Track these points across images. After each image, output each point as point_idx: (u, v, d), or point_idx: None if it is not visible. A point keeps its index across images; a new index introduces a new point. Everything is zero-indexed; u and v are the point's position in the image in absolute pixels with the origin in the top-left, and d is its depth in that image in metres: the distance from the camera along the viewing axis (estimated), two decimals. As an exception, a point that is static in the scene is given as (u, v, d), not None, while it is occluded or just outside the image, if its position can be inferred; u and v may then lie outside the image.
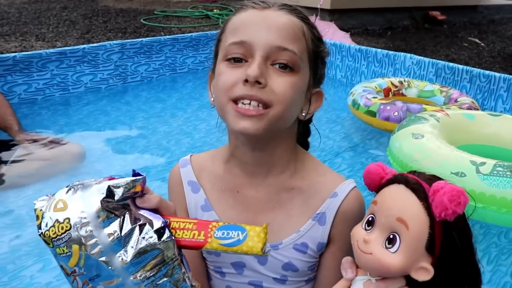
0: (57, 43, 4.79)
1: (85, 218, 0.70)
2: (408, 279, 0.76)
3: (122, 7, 6.96)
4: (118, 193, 0.72)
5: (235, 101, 0.86)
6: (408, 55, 4.12)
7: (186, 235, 0.75)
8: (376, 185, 0.82)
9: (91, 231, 0.70)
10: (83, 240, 0.70)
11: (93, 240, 0.70)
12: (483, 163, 2.14)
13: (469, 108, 3.11)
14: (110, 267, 0.71)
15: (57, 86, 3.73)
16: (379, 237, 0.76)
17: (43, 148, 2.60)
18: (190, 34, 4.55)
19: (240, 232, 0.74)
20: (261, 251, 0.73)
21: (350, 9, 6.66)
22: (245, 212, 0.99)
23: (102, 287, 0.72)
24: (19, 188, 2.41)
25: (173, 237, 0.74)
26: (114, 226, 0.71)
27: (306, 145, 1.11)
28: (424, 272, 0.74)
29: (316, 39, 0.95)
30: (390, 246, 0.75)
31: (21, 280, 1.80)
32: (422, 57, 4.06)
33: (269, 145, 0.94)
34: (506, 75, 3.60)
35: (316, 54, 0.94)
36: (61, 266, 0.74)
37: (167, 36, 4.40)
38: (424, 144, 2.38)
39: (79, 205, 0.71)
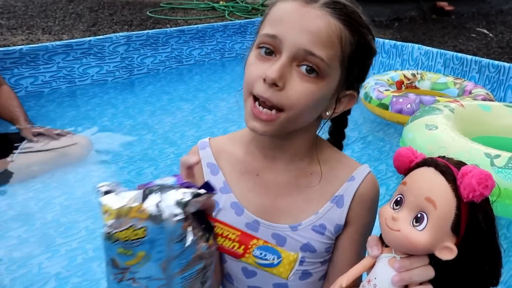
0: (63, 36, 4.79)
1: (162, 230, 0.70)
2: (431, 259, 0.79)
3: (128, 0, 6.94)
4: (192, 207, 0.72)
5: (255, 97, 0.88)
6: (416, 45, 4.08)
7: (226, 244, 0.79)
8: (406, 168, 0.85)
9: (164, 242, 0.70)
10: (153, 249, 0.70)
11: (162, 250, 0.70)
12: (497, 156, 2.11)
13: (484, 100, 3.06)
14: (163, 272, 0.72)
15: (64, 79, 3.74)
16: (407, 216, 0.79)
17: (49, 140, 2.60)
18: (196, 26, 4.53)
19: (276, 257, 0.80)
20: (287, 278, 0.80)
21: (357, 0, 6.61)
22: (264, 195, 1.00)
23: (146, 284, 0.73)
24: (27, 180, 2.42)
25: (217, 245, 0.77)
26: (183, 238, 0.72)
27: (341, 136, 1.11)
28: (448, 252, 0.77)
29: (359, 43, 0.91)
30: (417, 224, 0.77)
31: (29, 269, 1.81)
32: (430, 48, 4.02)
33: (289, 135, 0.96)
34: (515, 65, 3.56)
35: (353, 59, 0.91)
36: (112, 259, 0.72)
37: (173, 28, 4.39)
38: (438, 135, 2.36)
39: (159, 216, 0.70)
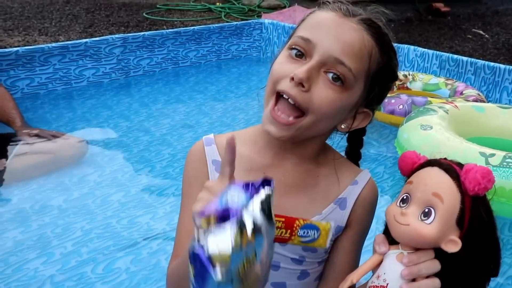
0: (60, 37, 4.79)
1: (264, 239, 0.72)
2: (436, 253, 0.84)
3: (125, 1, 6.93)
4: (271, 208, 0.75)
5: (278, 95, 0.90)
6: (412, 47, 4.09)
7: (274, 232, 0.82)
8: (409, 169, 0.91)
9: (265, 247, 0.72)
10: (257, 257, 0.70)
11: (260, 252, 0.72)
12: (492, 155, 2.13)
13: (475, 101, 3.09)
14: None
15: (60, 81, 3.73)
16: (415, 211, 0.84)
17: (45, 142, 2.60)
18: (192, 27, 4.53)
19: (315, 231, 0.86)
20: (326, 246, 0.87)
21: (352, 1, 6.62)
22: None
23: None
24: (22, 182, 2.41)
25: None
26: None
27: (358, 156, 1.14)
28: (453, 245, 0.82)
29: (385, 64, 0.95)
30: (425, 218, 0.82)
31: (25, 273, 1.81)
32: (426, 49, 4.03)
33: (299, 140, 0.98)
34: (511, 67, 3.57)
35: (377, 78, 0.94)
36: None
37: (169, 30, 4.39)
38: (433, 135, 2.37)
39: (259, 232, 0.71)
